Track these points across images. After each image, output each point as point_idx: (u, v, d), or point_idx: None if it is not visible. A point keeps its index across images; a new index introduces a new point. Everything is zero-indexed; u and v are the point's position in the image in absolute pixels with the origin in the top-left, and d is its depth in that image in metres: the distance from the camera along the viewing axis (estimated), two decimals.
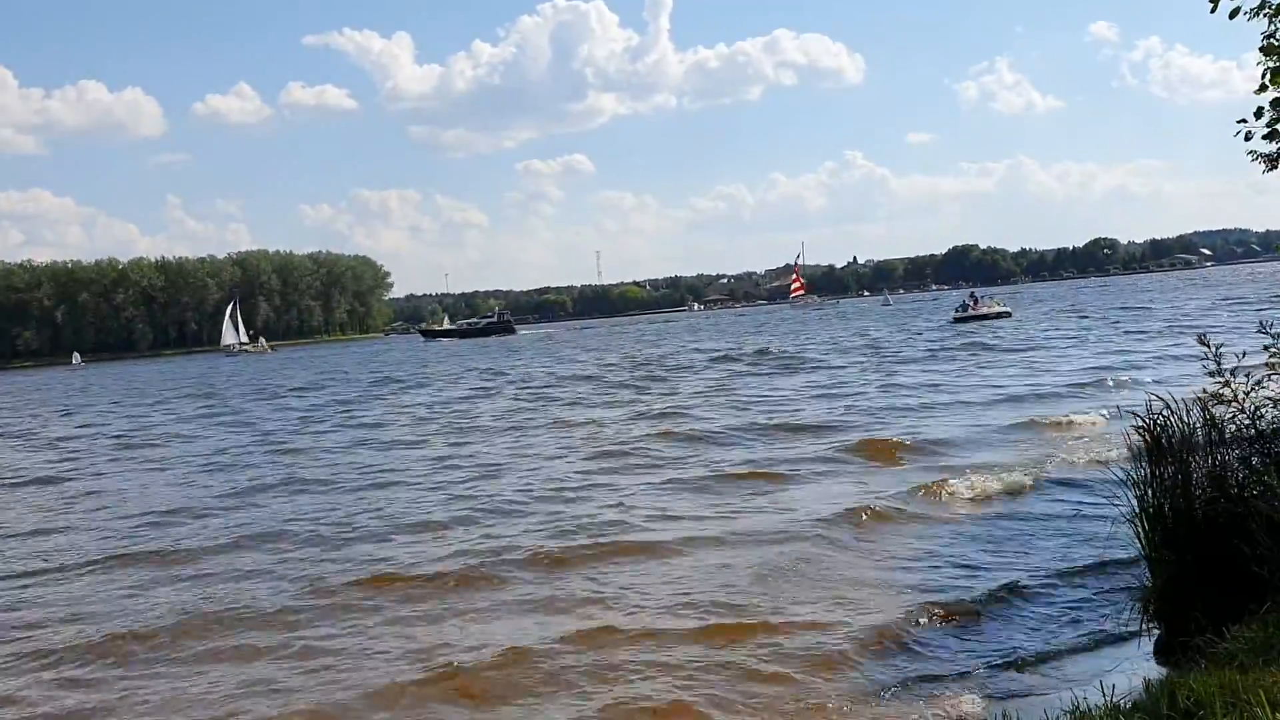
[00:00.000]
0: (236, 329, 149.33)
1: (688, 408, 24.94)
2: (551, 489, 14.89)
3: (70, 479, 20.49)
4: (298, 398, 40.90)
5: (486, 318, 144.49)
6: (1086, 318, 58.22)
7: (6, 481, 20.84)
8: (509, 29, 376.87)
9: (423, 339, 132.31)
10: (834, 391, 27.32)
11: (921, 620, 8.32)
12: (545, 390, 34.43)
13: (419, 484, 16.44)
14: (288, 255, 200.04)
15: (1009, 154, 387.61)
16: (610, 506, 13.36)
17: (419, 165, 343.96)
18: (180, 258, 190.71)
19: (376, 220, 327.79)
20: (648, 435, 20.03)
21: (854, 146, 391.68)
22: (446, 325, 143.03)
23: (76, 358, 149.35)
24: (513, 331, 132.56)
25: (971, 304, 67.02)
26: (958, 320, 63.68)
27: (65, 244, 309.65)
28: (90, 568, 11.91)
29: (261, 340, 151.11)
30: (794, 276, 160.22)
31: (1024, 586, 8.99)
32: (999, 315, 63.90)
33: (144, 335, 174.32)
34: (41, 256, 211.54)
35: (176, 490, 17.81)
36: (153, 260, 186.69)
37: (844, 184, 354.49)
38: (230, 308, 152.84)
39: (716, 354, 48.10)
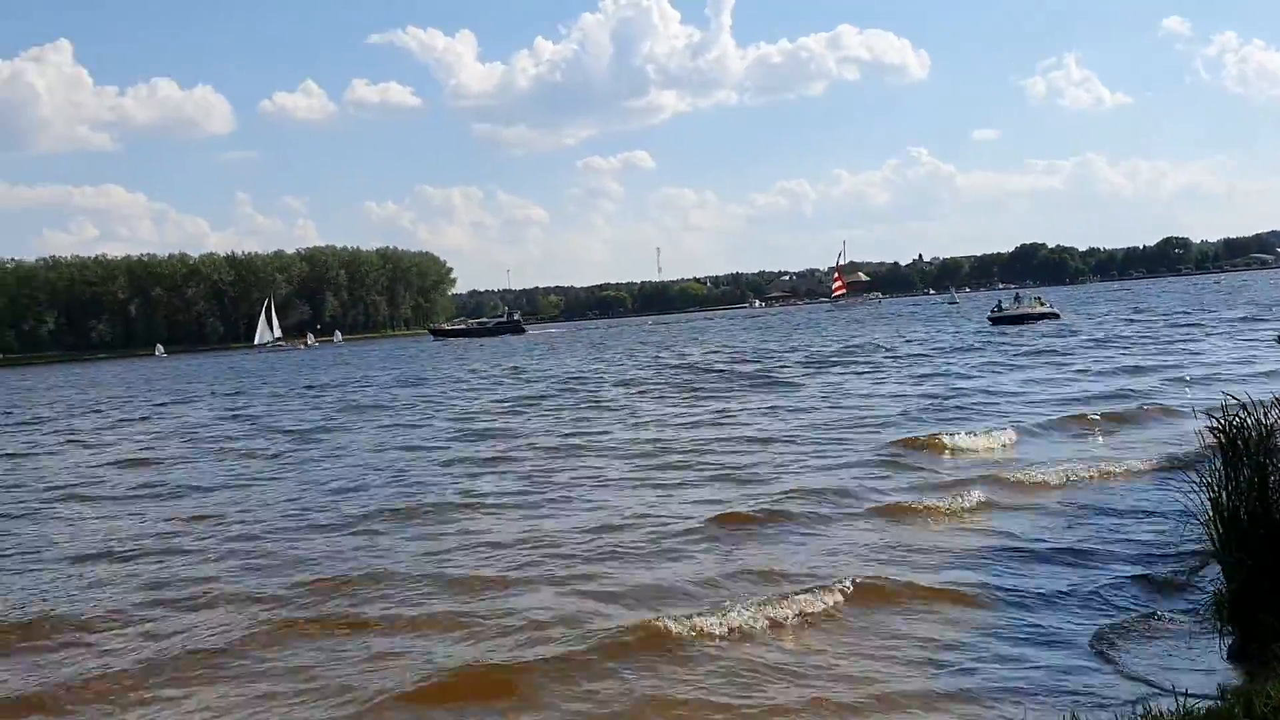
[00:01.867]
0: (270, 327, 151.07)
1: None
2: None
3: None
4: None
5: (497, 318, 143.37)
6: (1134, 321, 54.58)
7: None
8: (571, 26, 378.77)
9: (433, 338, 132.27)
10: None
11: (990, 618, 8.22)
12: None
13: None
14: (355, 251, 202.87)
15: (1077, 151, 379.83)
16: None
17: (481, 162, 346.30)
18: (250, 253, 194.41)
19: (440, 217, 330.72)
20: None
21: (918, 143, 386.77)
22: (456, 325, 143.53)
23: (159, 349, 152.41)
24: (522, 332, 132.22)
25: (1012, 303, 62.41)
26: (994, 321, 59.43)
27: (138, 238, 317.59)
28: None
29: (308, 336, 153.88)
30: (835, 276, 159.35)
31: (1093, 583, 8.85)
32: (1043, 316, 59.36)
33: (214, 329, 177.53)
34: (115, 250, 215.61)
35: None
36: (223, 255, 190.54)
37: (908, 180, 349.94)
38: (265, 305, 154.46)
39: (677, 365, 43.64)
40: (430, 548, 11.60)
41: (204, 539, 12.85)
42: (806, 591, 8.77)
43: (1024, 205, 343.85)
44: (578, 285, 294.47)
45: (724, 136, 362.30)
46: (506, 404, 30.37)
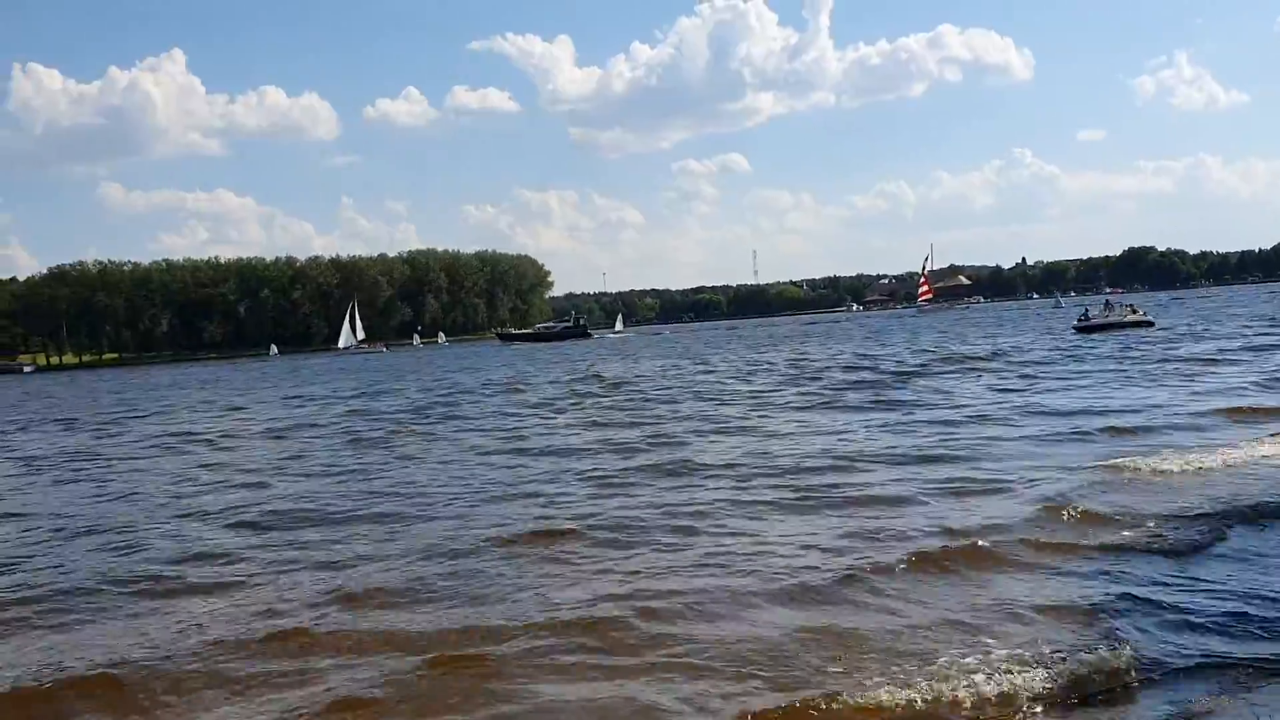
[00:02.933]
0: (354, 331, 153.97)
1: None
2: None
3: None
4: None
5: (563, 322, 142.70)
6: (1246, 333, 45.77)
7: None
8: (667, 30, 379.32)
9: (500, 342, 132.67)
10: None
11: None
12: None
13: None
14: (455, 254, 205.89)
15: (1189, 151, 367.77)
16: None
17: (577, 165, 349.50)
18: (354, 256, 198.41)
19: (536, 220, 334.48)
20: None
21: (1022, 144, 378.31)
22: (523, 330, 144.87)
23: (274, 349, 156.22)
24: (588, 336, 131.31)
25: (1103, 311, 57.18)
26: (1080, 330, 54.42)
27: (247, 241, 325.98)
28: None
29: (387, 341, 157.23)
30: (922, 280, 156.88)
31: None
32: (1136, 324, 54.26)
33: (319, 330, 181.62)
34: (225, 253, 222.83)
35: None
36: (328, 258, 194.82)
37: (1011, 182, 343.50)
38: (350, 309, 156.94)
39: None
40: None
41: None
42: None
43: (1132, 207, 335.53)
44: (673, 288, 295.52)
45: (821, 139, 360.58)
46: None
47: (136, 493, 17.12)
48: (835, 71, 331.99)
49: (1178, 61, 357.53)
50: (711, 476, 15.11)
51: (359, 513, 13.75)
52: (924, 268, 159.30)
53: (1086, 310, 59.30)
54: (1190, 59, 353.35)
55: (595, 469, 16.57)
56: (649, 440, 19.94)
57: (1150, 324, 55.03)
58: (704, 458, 16.99)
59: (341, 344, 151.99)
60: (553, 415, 27.06)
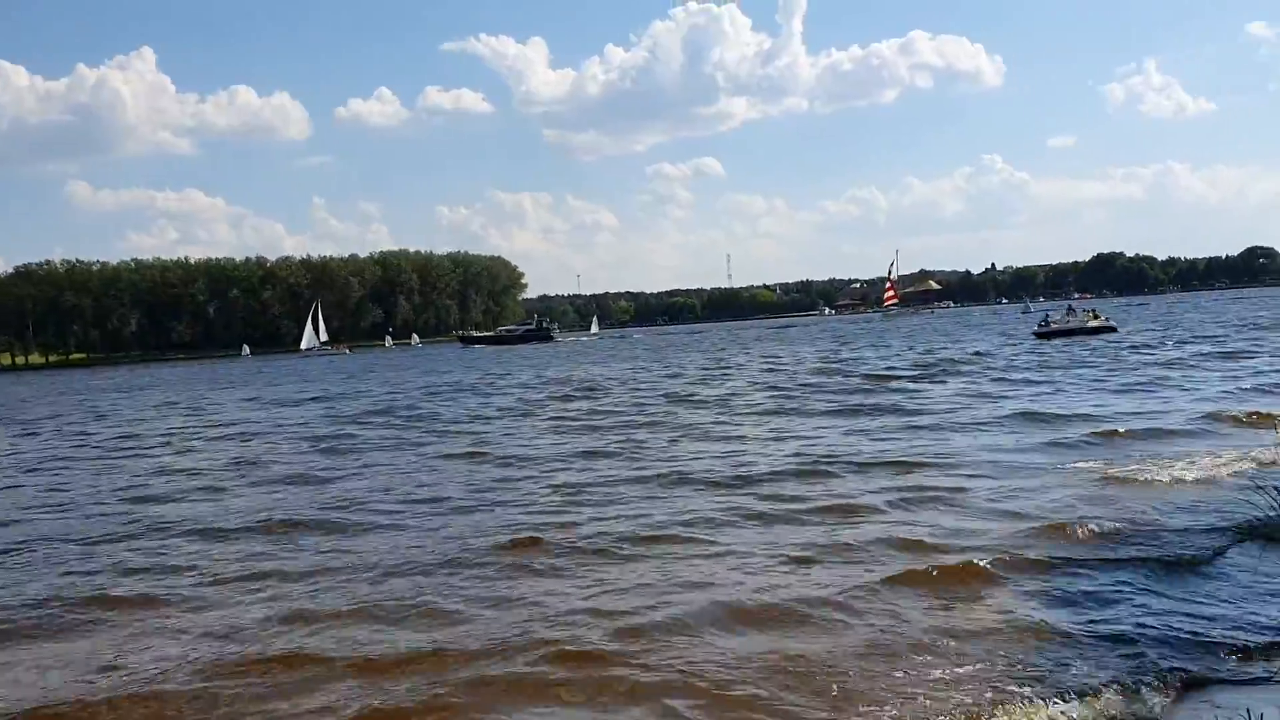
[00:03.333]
0: (317, 332, 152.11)
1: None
2: None
3: None
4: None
5: (525, 325, 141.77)
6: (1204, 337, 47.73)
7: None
8: (641, 34, 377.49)
9: (461, 345, 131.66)
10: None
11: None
12: None
13: None
14: (427, 255, 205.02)
15: (1157, 158, 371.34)
16: None
17: (551, 167, 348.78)
18: (325, 256, 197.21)
19: (510, 221, 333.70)
20: None
21: (992, 150, 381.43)
22: (484, 333, 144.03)
23: (246, 349, 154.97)
24: (551, 339, 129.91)
25: (1065, 316, 56.88)
26: (1040, 336, 54.26)
27: (216, 241, 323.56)
28: None
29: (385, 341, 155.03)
30: (888, 286, 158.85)
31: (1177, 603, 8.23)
32: (1098, 330, 54.18)
33: (289, 331, 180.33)
34: (195, 253, 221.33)
35: None
36: (299, 259, 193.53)
37: (981, 188, 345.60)
38: (313, 310, 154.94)
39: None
40: None
41: None
42: None
43: (1101, 214, 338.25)
44: (647, 290, 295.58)
45: (794, 144, 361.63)
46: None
47: (73, 502, 16.74)
48: (808, 77, 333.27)
49: (1147, 69, 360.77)
50: (675, 484, 14.97)
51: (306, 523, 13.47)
52: (890, 273, 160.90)
53: (1047, 316, 59.09)
54: (1159, 67, 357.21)
55: (545, 480, 16.22)
56: (604, 446, 19.80)
57: (1112, 329, 54.99)
58: (661, 465, 16.80)
59: (304, 345, 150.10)
60: (510, 421, 26.77)
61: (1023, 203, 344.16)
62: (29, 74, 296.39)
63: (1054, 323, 56.16)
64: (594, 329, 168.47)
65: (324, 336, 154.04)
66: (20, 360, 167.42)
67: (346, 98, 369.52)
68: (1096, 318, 56.72)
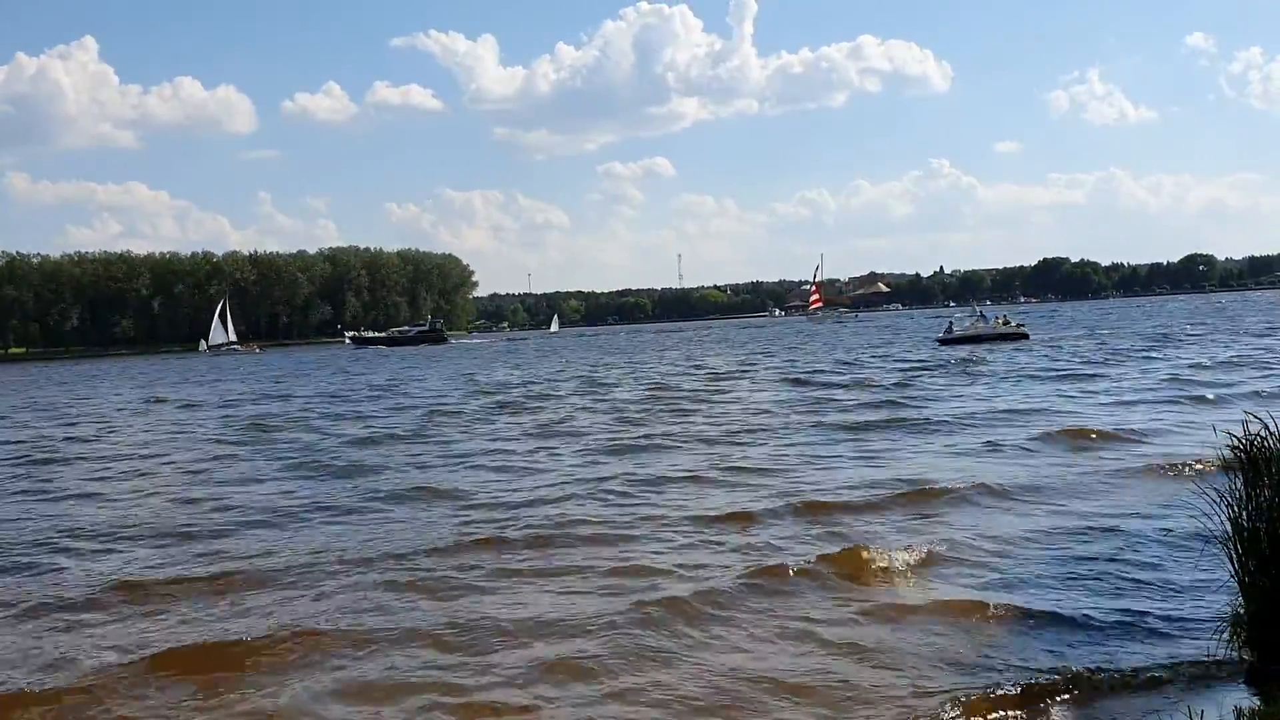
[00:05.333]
0: (226, 329, 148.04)
1: None
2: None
3: None
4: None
5: (418, 326, 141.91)
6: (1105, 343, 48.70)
7: None
8: (592, 33, 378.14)
9: (354, 346, 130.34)
10: None
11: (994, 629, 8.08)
12: None
13: None
14: (377, 252, 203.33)
15: (1100, 165, 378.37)
16: None
17: (502, 166, 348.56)
18: (272, 252, 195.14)
19: (460, 219, 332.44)
20: None
21: (940, 154, 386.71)
22: (376, 334, 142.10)
23: (204, 345, 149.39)
24: (444, 341, 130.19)
25: (975, 321, 55.65)
26: (944, 343, 52.78)
27: (160, 236, 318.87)
28: None
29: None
30: (813, 289, 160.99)
31: (1103, 606, 8.70)
32: (1007, 336, 52.93)
33: (235, 326, 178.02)
34: (138, 247, 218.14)
35: None
36: (245, 254, 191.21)
37: (929, 192, 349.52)
38: (220, 306, 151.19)
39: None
40: None
41: None
42: None
43: (1047, 219, 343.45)
44: (599, 290, 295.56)
45: (745, 145, 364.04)
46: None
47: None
48: (759, 79, 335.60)
49: (1090, 78, 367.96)
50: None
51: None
52: (815, 276, 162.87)
53: (951, 323, 57.26)
54: (1102, 75, 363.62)
55: None
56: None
57: (1024, 336, 53.76)
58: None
59: (212, 341, 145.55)
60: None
61: (970, 206, 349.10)
62: None
63: (962, 329, 54.76)
64: (554, 327, 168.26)
65: (232, 335, 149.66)
66: None
67: (294, 91, 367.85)
68: (1007, 324, 55.88)
